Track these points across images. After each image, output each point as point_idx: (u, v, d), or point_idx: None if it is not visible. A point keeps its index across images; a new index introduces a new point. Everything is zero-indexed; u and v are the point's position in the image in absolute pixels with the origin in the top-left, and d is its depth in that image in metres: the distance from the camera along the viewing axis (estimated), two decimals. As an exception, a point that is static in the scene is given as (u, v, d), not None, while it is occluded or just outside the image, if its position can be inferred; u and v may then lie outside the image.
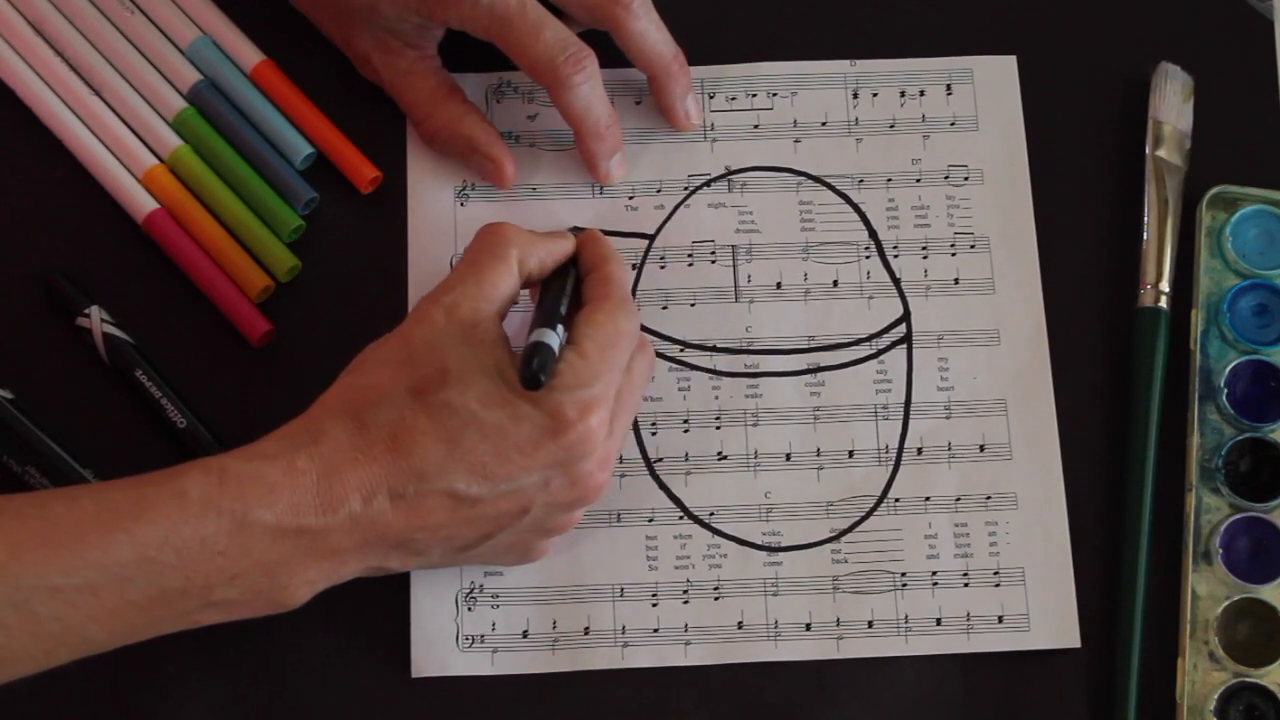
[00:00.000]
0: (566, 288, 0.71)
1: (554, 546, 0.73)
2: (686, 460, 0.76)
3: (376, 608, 0.73)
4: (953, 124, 0.81)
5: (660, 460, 0.76)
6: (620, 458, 0.75)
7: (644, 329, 0.77)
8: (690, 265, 0.79)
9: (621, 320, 0.69)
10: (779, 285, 0.78)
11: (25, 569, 0.60)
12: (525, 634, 0.74)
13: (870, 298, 0.78)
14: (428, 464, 0.65)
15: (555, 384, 0.66)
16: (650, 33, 0.77)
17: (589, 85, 0.76)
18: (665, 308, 0.78)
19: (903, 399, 0.77)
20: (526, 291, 0.73)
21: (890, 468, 0.76)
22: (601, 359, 0.67)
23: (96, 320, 0.76)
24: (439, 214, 0.79)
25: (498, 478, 0.66)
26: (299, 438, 0.65)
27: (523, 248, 0.70)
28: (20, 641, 0.61)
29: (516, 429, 0.66)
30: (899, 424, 0.77)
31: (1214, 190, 0.79)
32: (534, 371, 0.64)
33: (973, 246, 0.79)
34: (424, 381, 0.66)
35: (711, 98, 0.81)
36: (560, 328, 0.68)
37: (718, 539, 0.75)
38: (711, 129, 0.81)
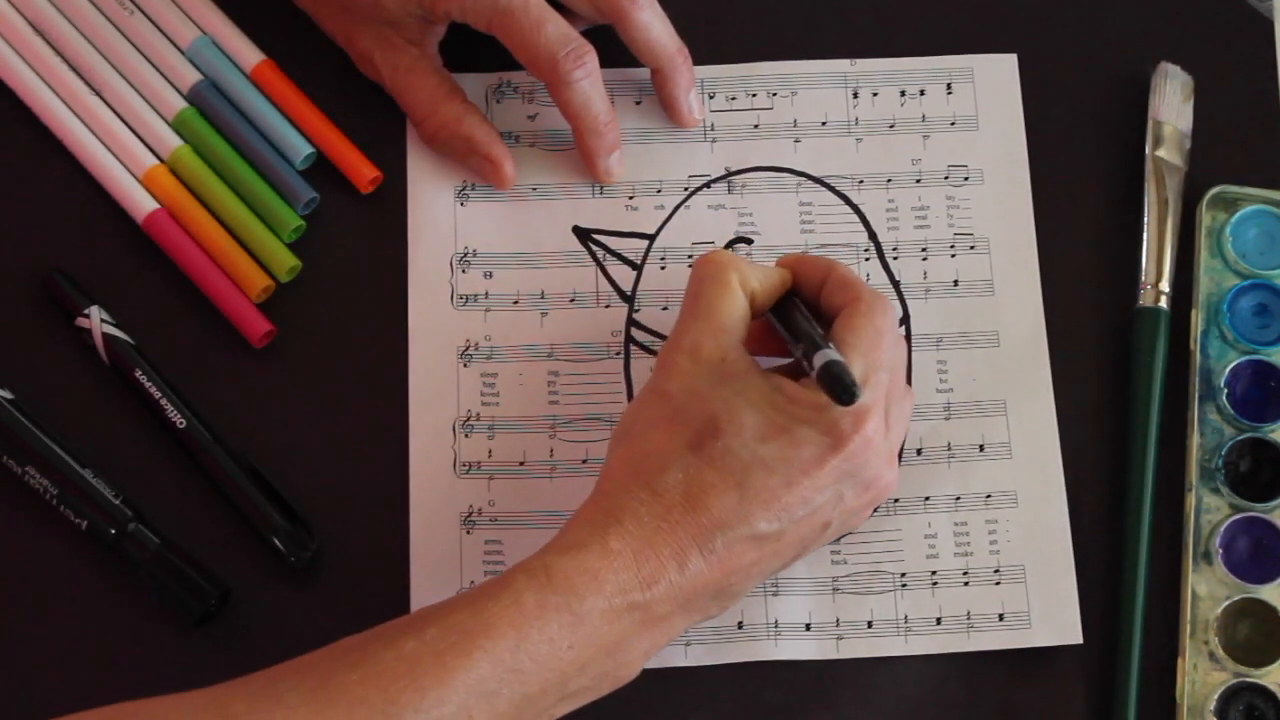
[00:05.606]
0: (803, 309, 0.70)
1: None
2: (687, 460, 0.76)
3: (377, 609, 0.72)
4: (953, 124, 0.81)
5: (660, 460, 0.76)
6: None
7: (643, 329, 0.77)
8: (690, 266, 0.78)
9: (879, 318, 0.69)
10: (779, 285, 0.78)
11: (404, 710, 0.60)
12: (525, 633, 0.74)
13: (870, 298, 0.78)
14: (726, 514, 0.65)
15: (825, 401, 0.66)
16: (655, 25, 0.77)
17: (589, 82, 0.76)
18: (665, 308, 0.78)
19: (903, 399, 0.77)
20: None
21: (890, 468, 0.76)
22: (865, 364, 0.67)
23: (96, 320, 0.76)
24: (439, 214, 0.79)
25: (792, 506, 0.66)
26: (602, 519, 0.65)
27: (739, 269, 0.70)
28: None
29: (798, 453, 0.66)
30: (899, 424, 0.77)
31: (1214, 190, 0.79)
32: (847, 387, 0.64)
33: (972, 248, 0.79)
34: (698, 435, 0.66)
35: (711, 98, 0.81)
36: (831, 343, 0.67)
37: (718, 539, 0.75)
38: (711, 129, 0.81)
